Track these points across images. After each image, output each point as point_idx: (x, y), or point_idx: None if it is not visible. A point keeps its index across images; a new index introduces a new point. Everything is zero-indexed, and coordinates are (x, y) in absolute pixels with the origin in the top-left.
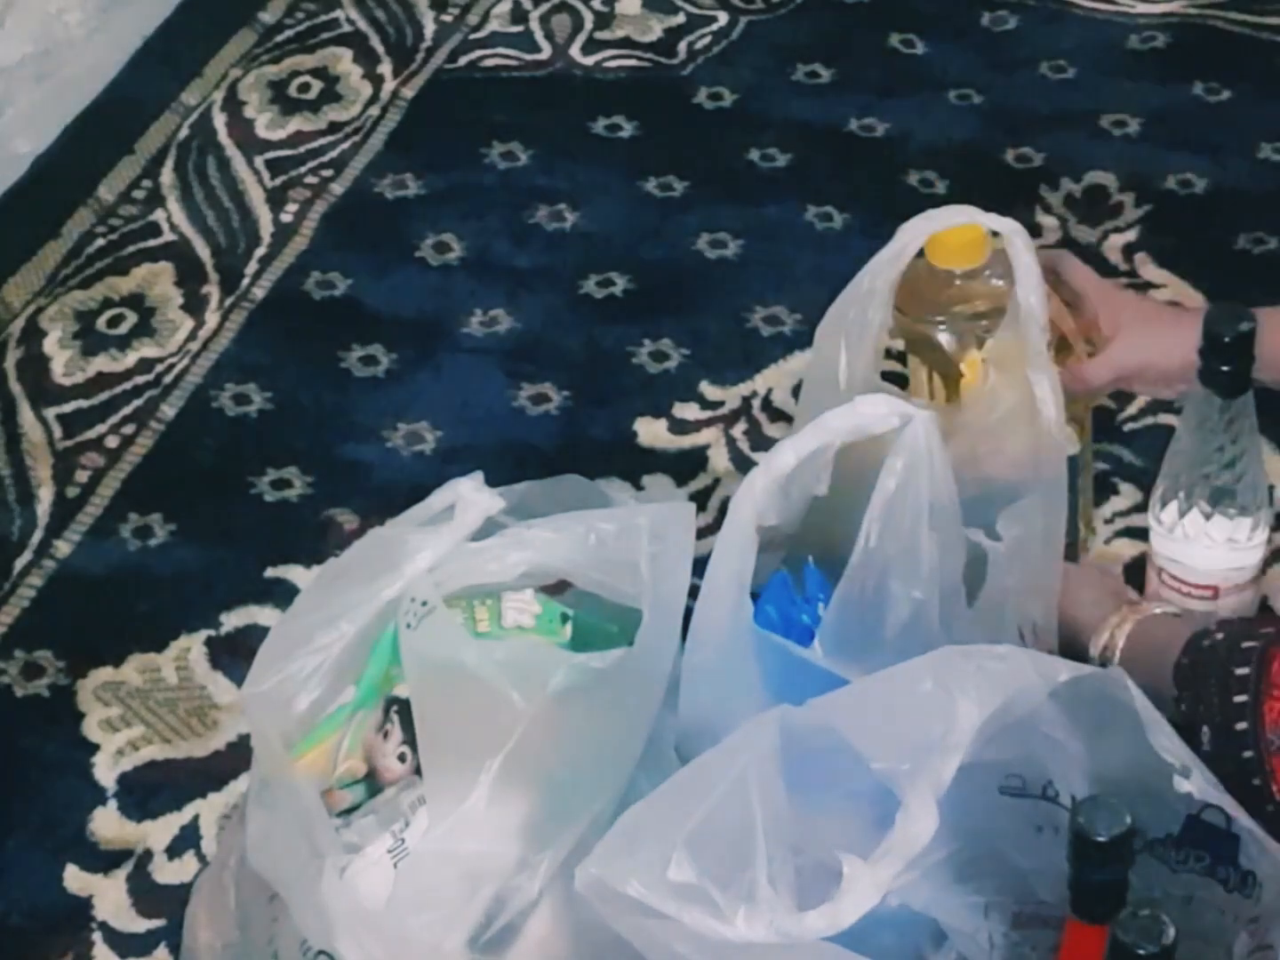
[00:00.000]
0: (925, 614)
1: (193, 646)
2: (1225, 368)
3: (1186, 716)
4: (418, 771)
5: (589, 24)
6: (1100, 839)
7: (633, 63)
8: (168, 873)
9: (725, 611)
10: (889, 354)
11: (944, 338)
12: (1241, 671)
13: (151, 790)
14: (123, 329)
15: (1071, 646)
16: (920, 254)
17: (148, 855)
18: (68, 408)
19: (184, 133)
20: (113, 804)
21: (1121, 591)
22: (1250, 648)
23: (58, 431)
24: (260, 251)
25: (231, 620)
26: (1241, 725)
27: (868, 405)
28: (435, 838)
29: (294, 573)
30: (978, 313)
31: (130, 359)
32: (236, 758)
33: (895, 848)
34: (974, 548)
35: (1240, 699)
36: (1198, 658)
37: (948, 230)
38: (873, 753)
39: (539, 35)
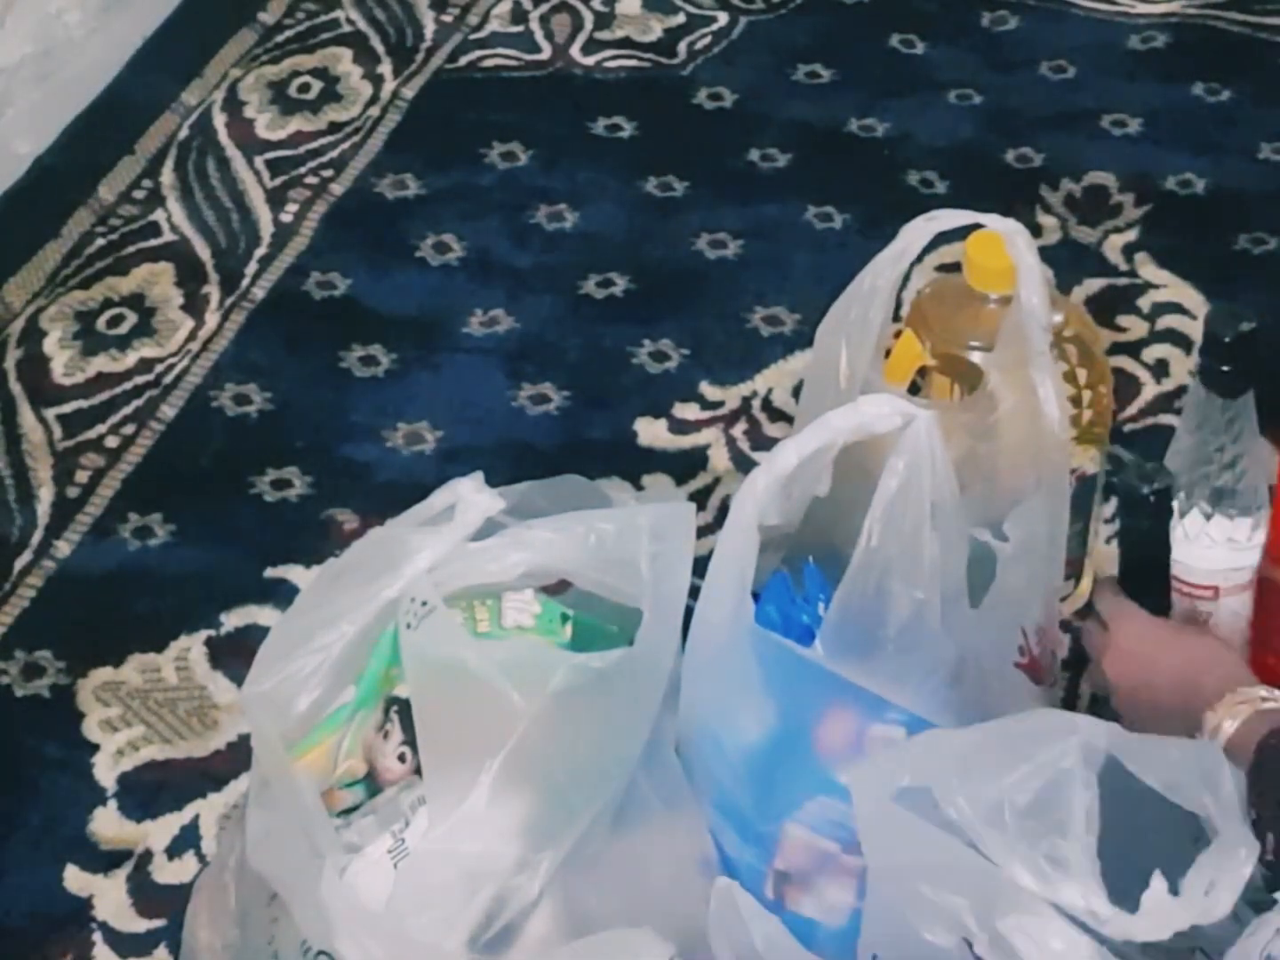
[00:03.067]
0: (927, 614)
1: (193, 646)
2: (1225, 368)
3: (1253, 820)
4: (418, 771)
5: (589, 24)
6: None
7: (633, 63)
8: (168, 873)
9: (725, 611)
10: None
11: (977, 358)
12: None
13: (151, 790)
14: (123, 329)
15: (1185, 710)
16: (954, 271)
17: (148, 855)
18: (68, 408)
19: (184, 133)
20: (113, 804)
21: (1247, 674)
22: None
23: (58, 431)
24: (260, 251)
25: (231, 620)
26: None
27: (870, 405)
28: (435, 838)
29: (294, 573)
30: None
31: (130, 359)
32: (236, 758)
33: (1220, 873)
34: (982, 548)
35: None
36: (1264, 758)
37: (987, 254)
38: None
39: (539, 35)
